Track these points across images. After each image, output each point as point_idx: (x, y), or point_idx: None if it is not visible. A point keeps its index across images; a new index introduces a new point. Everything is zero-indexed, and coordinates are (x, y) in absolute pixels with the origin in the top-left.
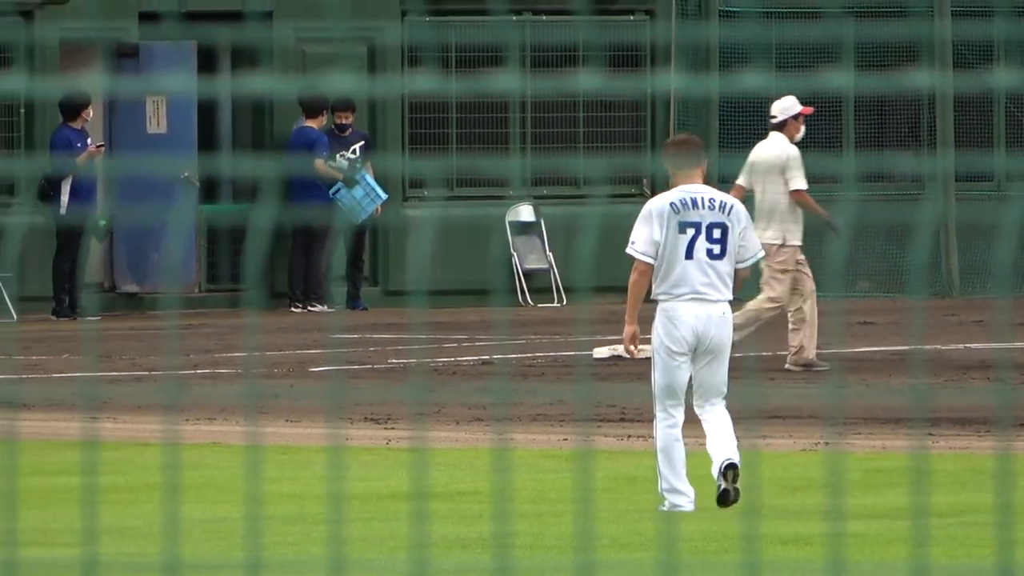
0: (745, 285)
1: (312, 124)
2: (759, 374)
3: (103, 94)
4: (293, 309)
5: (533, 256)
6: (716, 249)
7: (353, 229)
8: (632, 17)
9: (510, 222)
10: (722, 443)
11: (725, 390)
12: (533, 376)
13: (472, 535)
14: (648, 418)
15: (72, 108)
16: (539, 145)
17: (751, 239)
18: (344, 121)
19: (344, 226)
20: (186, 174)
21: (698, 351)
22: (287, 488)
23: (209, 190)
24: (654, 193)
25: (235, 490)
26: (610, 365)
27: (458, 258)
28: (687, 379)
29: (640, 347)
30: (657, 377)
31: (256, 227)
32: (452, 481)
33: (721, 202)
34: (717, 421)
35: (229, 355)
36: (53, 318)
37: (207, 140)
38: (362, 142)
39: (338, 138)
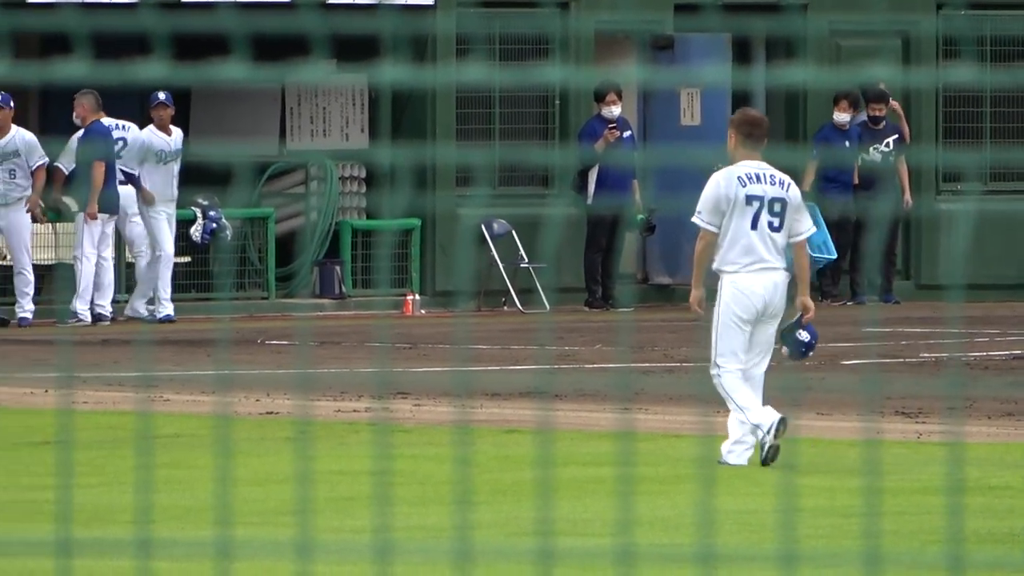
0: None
1: (843, 115)
2: None
3: (638, 86)
4: (832, 304)
5: None
6: (776, 222)
7: (887, 223)
8: None
9: None
10: (762, 408)
11: (773, 345)
12: None
13: (1004, 530)
14: None
15: (598, 95)
16: None
17: (803, 216)
18: (877, 113)
19: (880, 219)
20: (719, 165)
21: (762, 316)
22: (818, 481)
23: None
24: None
25: (766, 482)
26: None
27: (992, 253)
28: (747, 340)
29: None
30: (721, 340)
31: None
32: (984, 476)
33: (781, 179)
34: (756, 386)
35: None
36: (585, 309)
37: None
38: (896, 135)
39: (872, 131)
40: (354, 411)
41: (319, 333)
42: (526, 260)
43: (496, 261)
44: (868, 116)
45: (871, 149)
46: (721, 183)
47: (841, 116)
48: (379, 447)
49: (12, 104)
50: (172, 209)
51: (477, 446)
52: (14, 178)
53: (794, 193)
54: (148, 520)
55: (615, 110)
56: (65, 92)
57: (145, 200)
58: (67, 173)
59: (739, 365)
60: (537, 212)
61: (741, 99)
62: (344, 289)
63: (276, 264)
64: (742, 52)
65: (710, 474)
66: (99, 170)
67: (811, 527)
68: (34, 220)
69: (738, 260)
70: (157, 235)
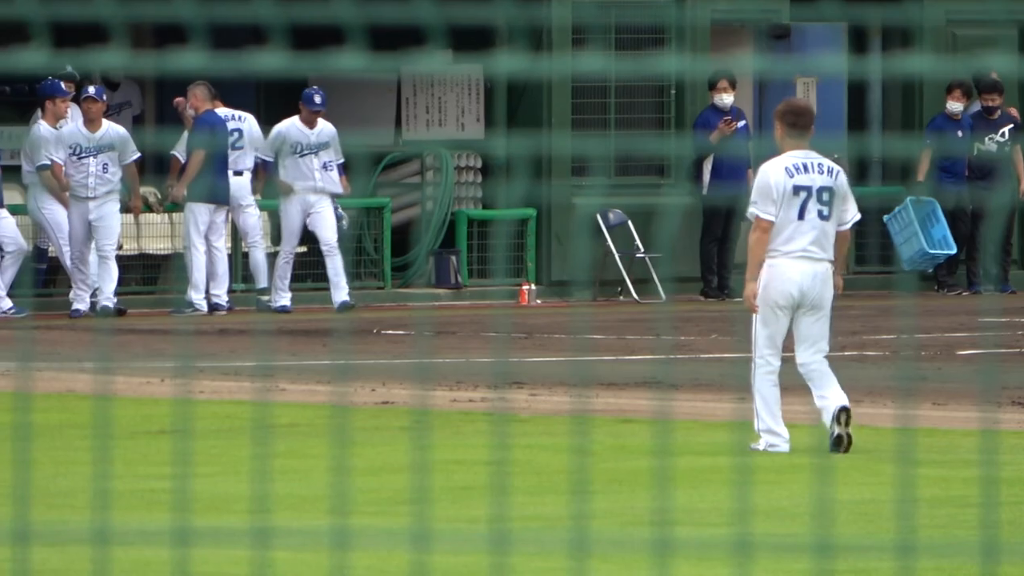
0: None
1: (956, 105)
2: None
3: (754, 75)
4: (949, 294)
5: None
6: (825, 211)
7: (1003, 212)
8: None
9: None
10: (831, 392)
11: (826, 345)
12: None
13: None
14: None
15: (710, 83)
16: None
17: (851, 204)
18: (991, 103)
19: (996, 209)
20: (836, 156)
21: (801, 306)
22: (934, 471)
23: (859, 171)
24: None
25: (883, 472)
26: None
27: None
28: (786, 330)
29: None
30: (759, 328)
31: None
32: None
33: (829, 168)
34: (820, 376)
35: (876, 337)
36: (701, 299)
37: (856, 120)
38: (1011, 125)
39: (986, 120)
40: (470, 401)
41: (435, 323)
42: (642, 250)
43: (612, 251)
44: (982, 106)
45: (986, 139)
46: (771, 173)
47: (954, 105)
48: (495, 437)
49: (105, 97)
50: (316, 199)
51: (593, 436)
52: (106, 172)
53: (842, 181)
54: (265, 509)
55: (727, 98)
56: (181, 83)
57: (280, 190)
58: (183, 162)
59: (777, 361)
60: (653, 202)
61: (857, 88)
62: (460, 279)
63: (392, 254)
64: (858, 41)
65: (826, 464)
66: (196, 158)
67: (927, 517)
68: (149, 210)
69: (779, 248)
70: (282, 225)
